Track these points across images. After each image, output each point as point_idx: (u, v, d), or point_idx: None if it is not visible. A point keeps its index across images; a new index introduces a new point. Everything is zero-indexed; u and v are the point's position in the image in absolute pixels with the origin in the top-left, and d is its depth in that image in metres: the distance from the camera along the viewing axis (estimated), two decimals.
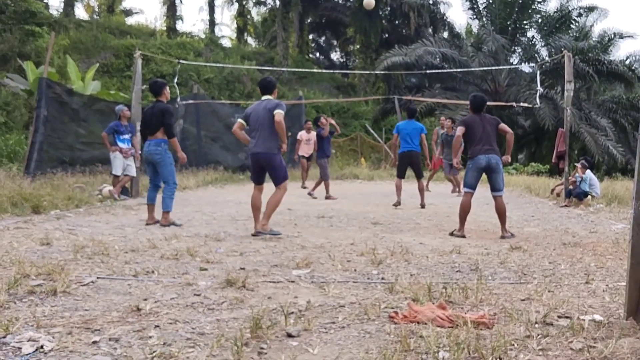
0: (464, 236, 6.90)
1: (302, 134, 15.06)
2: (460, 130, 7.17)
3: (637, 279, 3.29)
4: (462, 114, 24.14)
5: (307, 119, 20.05)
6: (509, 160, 7.86)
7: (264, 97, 6.89)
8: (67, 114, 12.85)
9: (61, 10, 32.04)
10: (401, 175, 10.91)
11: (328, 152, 13.33)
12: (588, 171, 11.54)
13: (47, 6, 31.52)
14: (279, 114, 6.62)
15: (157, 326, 3.16)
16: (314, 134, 15.15)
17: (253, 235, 6.64)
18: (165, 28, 33.68)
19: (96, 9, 39.22)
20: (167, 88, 7.69)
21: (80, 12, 36.85)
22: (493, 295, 3.93)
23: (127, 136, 10.91)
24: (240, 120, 6.98)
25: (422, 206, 10.47)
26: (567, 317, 3.41)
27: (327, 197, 12.12)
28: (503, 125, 7.28)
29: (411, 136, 10.64)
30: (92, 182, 11.63)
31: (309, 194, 12.78)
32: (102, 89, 18.83)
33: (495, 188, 7.10)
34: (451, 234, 7.06)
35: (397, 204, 10.47)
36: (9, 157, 14.47)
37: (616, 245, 6.18)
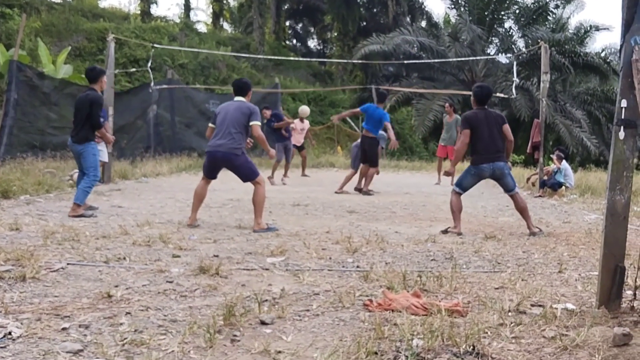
0: (460, 233, 6.29)
1: (296, 122, 15.17)
2: (465, 135, 6.47)
3: (609, 269, 3.32)
4: (438, 104, 24.26)
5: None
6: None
7: (237, 99, 6.56)
8: (38, 98, 12.59)
9: None
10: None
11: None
12: (563, 162, 11.68)
13: None
14: (257, 126, 6.36)
15: (129, 313, 3.11)
16: (306, 122, 15.39)
17: (189, 225, 6.28)
18: (139, 12, 33.10)
19: None
20: (105, 77, 7.27)
21: None
22: (467, 284, 3.95)
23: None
24: (210, 125, 6.62)
25: (359, 190, 10.66)
26: (540, 306, 3.44)
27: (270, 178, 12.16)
28: (507, 128, 6.58)
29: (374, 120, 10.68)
30: (63, 167, 11.41)
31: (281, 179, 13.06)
32: (74, 72, 18.45)
33: (507, 189, 6.54)
34: (445, 231, 6.38)
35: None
36: None
37: (589, 236, 6.26)
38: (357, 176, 11.02)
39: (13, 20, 22.17)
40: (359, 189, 10.74)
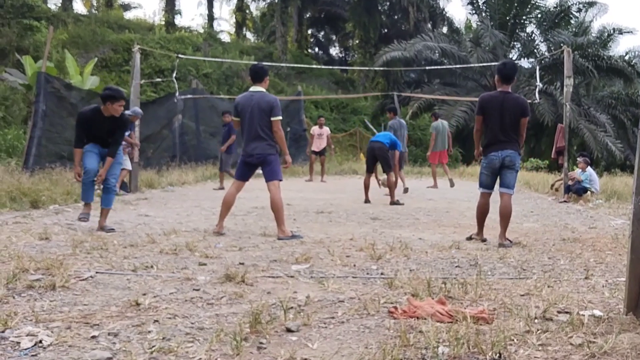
0: (484, 240, 6.16)
1: (314, 129, 15.26)
2: (477, 122, 6.21)
3: (636, 274, 3.28)
4: (461, 110, 24.15)
5: (320, 114, 20.11)
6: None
7: (254, 88, 6.45)
8: (65, 109, 12.79)
9: (59, 5, 31.96)
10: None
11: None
12: (588, 167, 11.56)
13: (45, 0, 31.46)
14: (277, 122, 6.33)
15: (156, 321, 3.15)
16: (326, 129, 15.47)
17: (215, 233, 6.32)
18: (163, 22, 33.57)
19: (94, 4, 39.09)
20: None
21: (79, 7, 36.82)
22: (492, 291, 3.93)
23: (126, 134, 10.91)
24: (234, 118, 6.59)
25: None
26: (566, 313, 3.41)
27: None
28: (524, 122, 6.10)
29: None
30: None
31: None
32: (100, 83, 18.77)
33: (504, 183, 6.12)
34: (469, 238, 6.28)
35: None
36: (8, 152, 14.43)
37: (615, 241, 6.18)
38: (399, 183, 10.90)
39: (40, 32, 22.65)
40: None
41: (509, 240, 6.05)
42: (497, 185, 6.25)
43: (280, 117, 6.40)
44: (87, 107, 6.94)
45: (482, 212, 6.25)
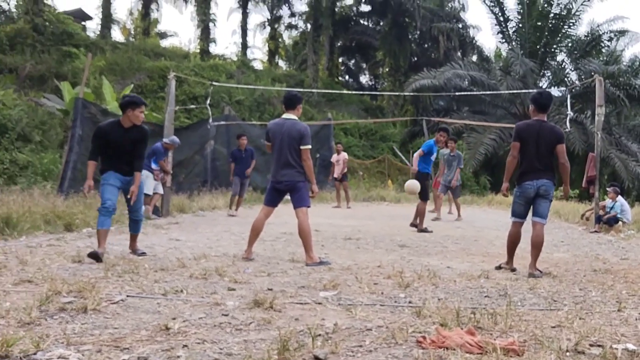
0: (514, 270, 6.14)
1: (334, 157, 15.41)
2: (514, 149, 6.15)
3: None
4: (490, 137, 23.99)
5: (337, 141, 20.26)
6: (569, 192, 6.95)
7: (287, 115, 6.52)
8: None
9: (98, 33, 32.85)
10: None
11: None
12: (619, 197, 11.38)
13: (84, 28, 32.37)
14: (307, 150, 6.39)
15: (185, 346, 3.18)
16: (343, 154, 15.62)
17: (244, 258, 6.39)
18: (198, 50, 34.19)
19: (132, 32, 40.08)
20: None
21: (117, 35, 37.69)
22: (523, 322, 3.88)
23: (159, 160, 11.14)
24: (267, 143, 6.64)
25: (414, 226, 10.45)
26: (599, 346, 3.35)
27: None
28: (562, 149, 6.11)
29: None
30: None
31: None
32: None
33: (537, 212, 6.10)
34: (498, 267, 6.27)
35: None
36: (44, 176, 14.77)
37: None
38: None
39: (79, 59, 23.26)
40: (414, 225, 10.53)
41: (539, 271, 5.97)
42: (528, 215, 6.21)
43: (310, 146, 6.46)
44: (106, 121, 6.72)
45: (513, 242, 6.21)
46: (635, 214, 12.60)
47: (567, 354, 3.20)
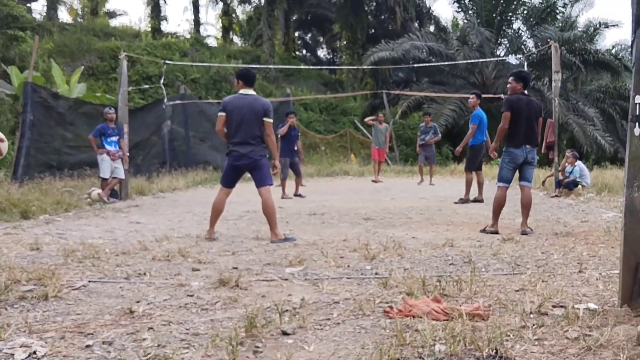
0: (496, 232, 6.54)
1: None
2: (505, 119, 6.59)
3: (630, 267, 3.30)
4: (450, 108, 24.20)
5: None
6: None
7: (245, 91, 6.33)
8: (53, 118, 12.72)
9: (44, 14, 31.81)
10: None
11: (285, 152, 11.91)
12: (578, 161, 11.63)
13: (29, 10, 31.27)
14: (269, 123, 6.26)
15: (151, 328, 3.13)
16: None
17: (207, 238, 6.29)
18: (149, 29, 33.45)
19: (79, 12, 38.93)
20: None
21: (64, 16, 36.61)
22: (487, 287, 3.94)
23: (114, 138, 10.79)
24: (221, 114, 6.33)
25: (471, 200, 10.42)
26: (561, 307, 3.42)
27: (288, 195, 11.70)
28: (541, 121, 7.04)
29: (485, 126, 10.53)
30: (81, 185, 11.52)
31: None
32: (87, 91, 18.69)
33: (524, 177, 6.76)
34: (483, 230, 6.69)
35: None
36: None
37: (608, 234, 6.22)
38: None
39: (26, 42, 22.46)
40: (477, 200, 10.41)
41: (530, 228, 6.64)
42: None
43: (272, 120, 6.34)
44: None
45: (499, 205, 6.70)
46: (594, 177, 12.91)
47: (531, 315, 3.26)
